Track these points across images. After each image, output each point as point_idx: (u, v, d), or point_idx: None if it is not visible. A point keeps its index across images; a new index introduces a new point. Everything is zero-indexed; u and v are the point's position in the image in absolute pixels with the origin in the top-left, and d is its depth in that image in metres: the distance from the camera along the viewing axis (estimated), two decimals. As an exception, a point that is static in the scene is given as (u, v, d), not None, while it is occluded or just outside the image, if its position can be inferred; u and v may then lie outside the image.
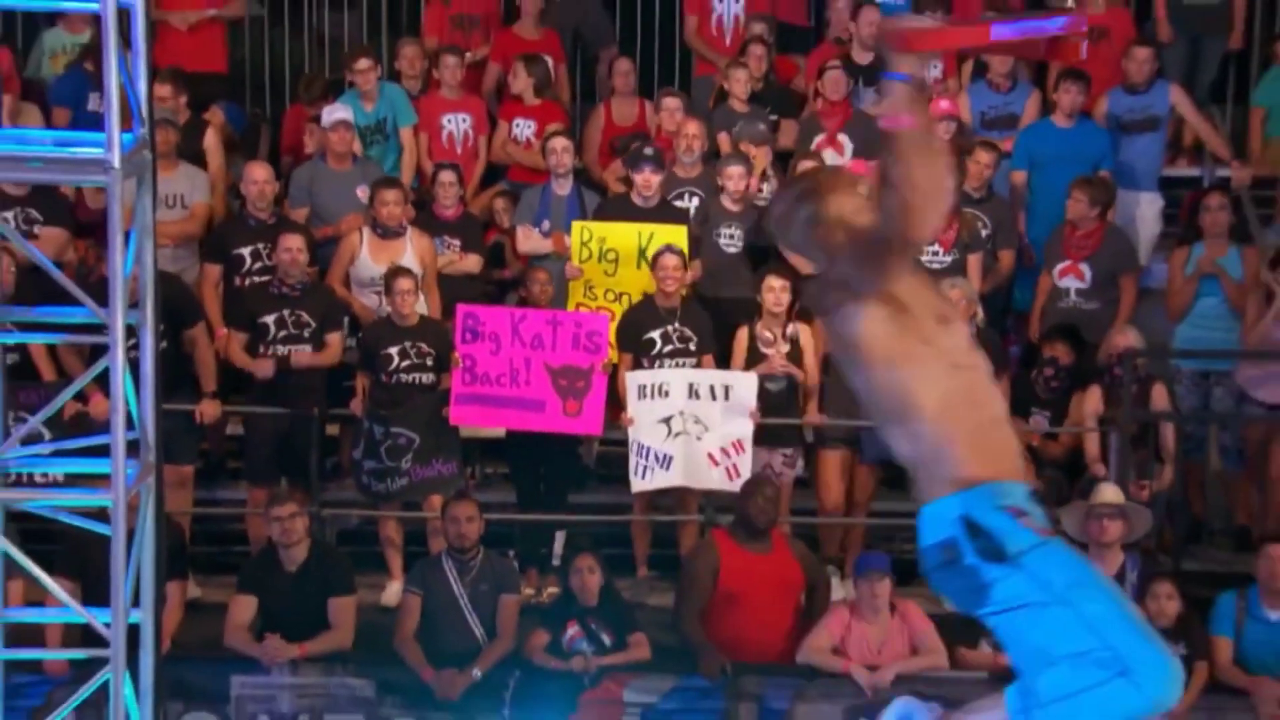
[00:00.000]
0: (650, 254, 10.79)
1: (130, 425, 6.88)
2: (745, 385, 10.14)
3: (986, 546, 4.91)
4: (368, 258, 10.65)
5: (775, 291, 10.42)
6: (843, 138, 11.56)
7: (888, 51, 4.77)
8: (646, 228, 10.85)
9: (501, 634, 9.34)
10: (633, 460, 10.18)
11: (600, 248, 10.89)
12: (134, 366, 6.94)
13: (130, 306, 6.82)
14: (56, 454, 7.18)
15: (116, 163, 6.60)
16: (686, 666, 9.39)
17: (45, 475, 7.33)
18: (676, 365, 10.31)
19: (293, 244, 10.31)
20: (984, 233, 11.03)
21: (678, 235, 10.79)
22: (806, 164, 11.07)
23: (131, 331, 6.88)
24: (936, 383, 4.97)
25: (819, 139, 11.46)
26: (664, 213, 10.95)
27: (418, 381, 10.23)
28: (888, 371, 4.94)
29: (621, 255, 10.84)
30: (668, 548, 10.43)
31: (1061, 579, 4.91)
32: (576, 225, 10.97)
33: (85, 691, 7.11)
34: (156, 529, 7.30)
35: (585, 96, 12.86)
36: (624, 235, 10.90)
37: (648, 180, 10.88)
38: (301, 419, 10.36)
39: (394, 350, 10.21)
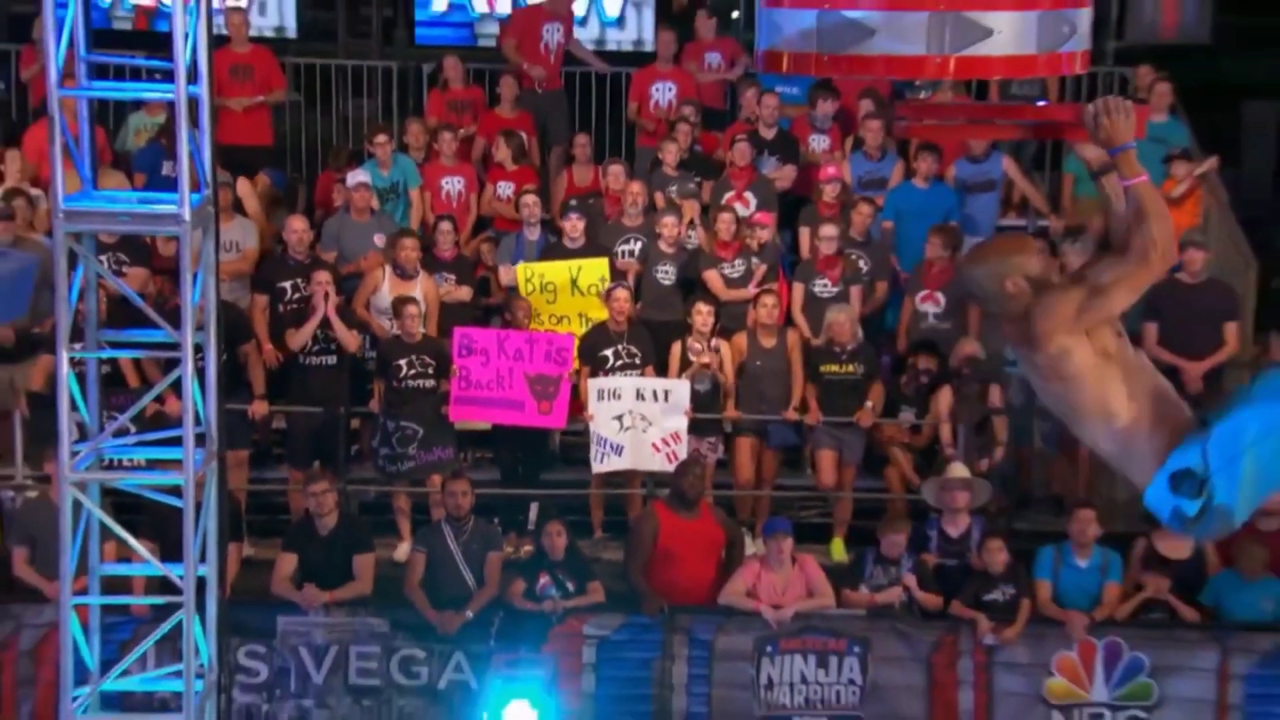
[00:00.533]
0: (581, 284, 10.70)
1: (197, 421, 6.91)
2: (680, 389, 10.08)
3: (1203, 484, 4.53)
4: (386, 291, 10.51)
5: (703, 315, 10.30)
6: (748, 194, 11.42)
7: (1120, 130, 4.42)
8: (575, 263, 10.75)
9: (488, 583, 9.29)
10: (593, 448, 10.11)
11: (540, 283, 10.73)
12: (200, 375, 6.97)
13: (196, 329, 6.85)
14: (140, 444, 7.18)
15: (187, 216, 6.64)
16: (633, 607, 9.34)
17: (132, 460, 7.33)
18: (626, 375, 10.22)
19: (322, 279, 10.17)
20: (864, 269, 10.96)
21: (601, 267, 10.73)
22: (726, 215, 10.96)
23: (198, 348, 6.92)
24: (1127, 391, 4.66)
25: (729, 195, 11.34)
26: (589, 250, 10.85)
27: (422, 386, 10.11)
28: (1095, 389, 4.61)
29: (558, 287, 10.72)
30: (618, 515, 10.38)
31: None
32: (520, 267, 10.85)
33: (163, 629, 7.15)
34: (219, 501, 7.33)
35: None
36: (557, 271, 10.78)
37: (574, 225, 10.84)
38: (331, 415, 10.28)
39: (403, 361, 10.10)
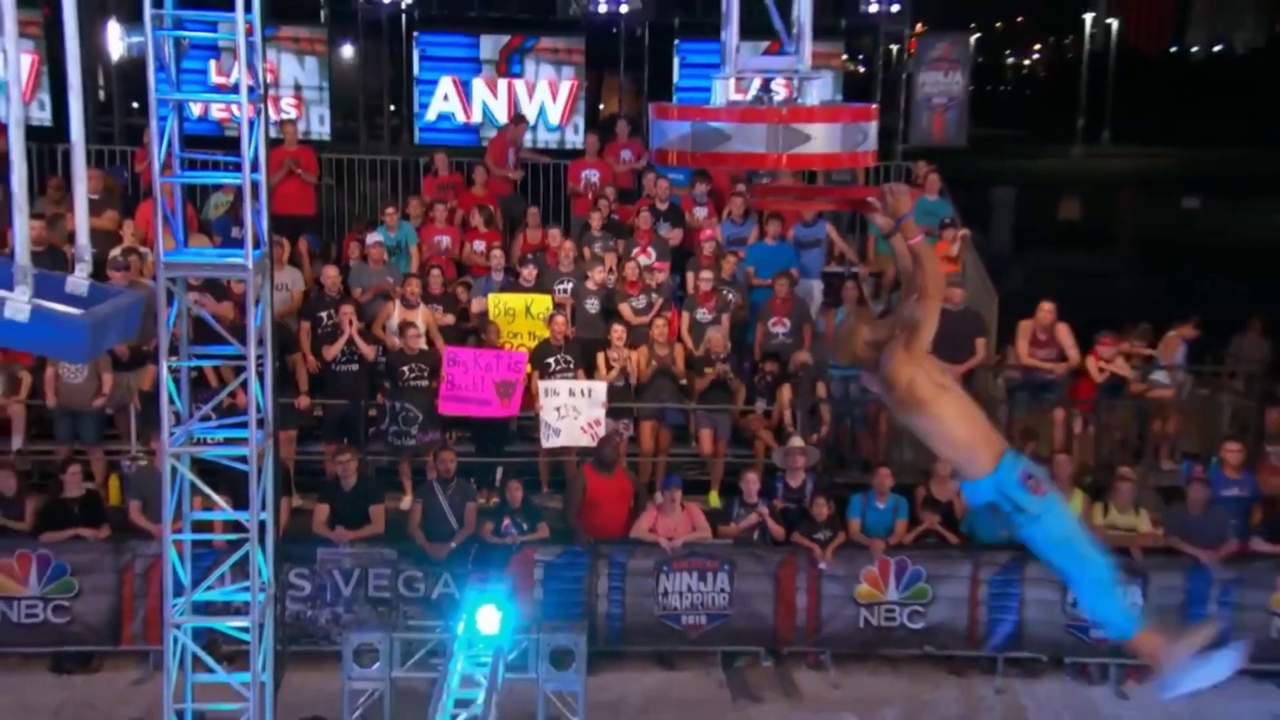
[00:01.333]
0: (533, 311, 10.58)
1: (258, 410, 6.81)
2: (600, 389, 9.91)
3: (1016, 507, 4.53)
4: (395, 317, 10.31)
5: (618, 334, 10.27)
6: (650, 249, 11.31)
7: (900, 205, 4.39)
8: (528, 297, 10.63)
9: (466, 524, 9.14)
10: (541, 429, 9.96)
11: (504, 309, 10.60)
12: (260, 378, 6.88)
13: (258, 344, 6.75)
14: (219, 427, 7.07)
15: (250, 266, 6.55)
16: (569, 540, 9.22)
17: (212, 438, 7.19)
18: (563, 377, 10.04)
19: (348, 310, 10.04)
20: (731, 301, 10.87)
21: (546, 300, 10.63)
22: (633, 264, 10.86)
23: (259, 358, 6.82)
24: (953, 411, 4.59)
25: (636, 250, 11.22)
26: (538, 288, 10.72)
27: (419, 385, 9.93)
28: (930, 409, 4.53)
29: (516, 312, 10.60)
30: (559, 476, 10.18)
31: (1059, 531, 4.53)
32: (490, 297, 10.71)
33: (235, 557, 7.05)
34: (274, 467, 7.23)
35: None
36: (516, 301, 10.64)
37: (529, 271, 10.74)
38: (354, 406, 10.12)
39: (406, 367, 9.96)
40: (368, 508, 9.11)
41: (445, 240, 11.63)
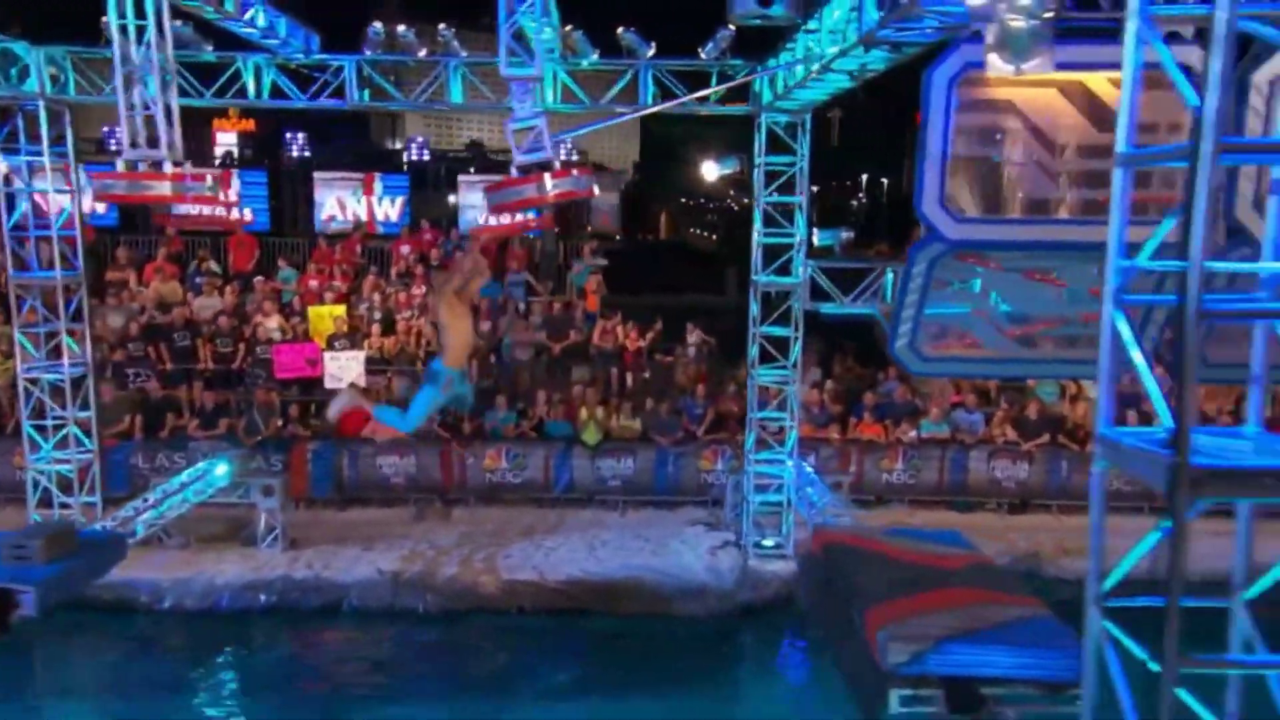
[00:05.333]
0: (334, 314, 18.92)
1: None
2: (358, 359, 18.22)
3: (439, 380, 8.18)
4: (269, 323, 19.01)
5: (376, 330, 18.75)
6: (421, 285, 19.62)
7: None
8: (333, 308, 18.98)
9: (269, 426, 17.57)
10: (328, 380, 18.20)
11: (321, 314, 18.57)
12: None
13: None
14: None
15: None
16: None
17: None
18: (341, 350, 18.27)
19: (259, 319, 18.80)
20: None
21: (340, 310, 18.85)
22: (404, 296, 19.39)
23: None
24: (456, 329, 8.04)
25: (413, 284, 19.51)
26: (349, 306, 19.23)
27: (265, 358, 18.49)
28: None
29: (324, 315, 18.68)
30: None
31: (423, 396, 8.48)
32: (311, 310, 19.07)
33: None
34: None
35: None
36: (326, 309, 18.86)
37: (338, 297, 19.24)
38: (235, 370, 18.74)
39: (258, 349, 18.57)
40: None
41: (314, 283, 19.94)
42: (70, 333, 13.77)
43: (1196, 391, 4.98)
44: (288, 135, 24.16)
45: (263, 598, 13.52)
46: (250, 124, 34.71)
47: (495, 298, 19.35)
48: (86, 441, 13.99)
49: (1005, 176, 11.18)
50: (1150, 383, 4.98)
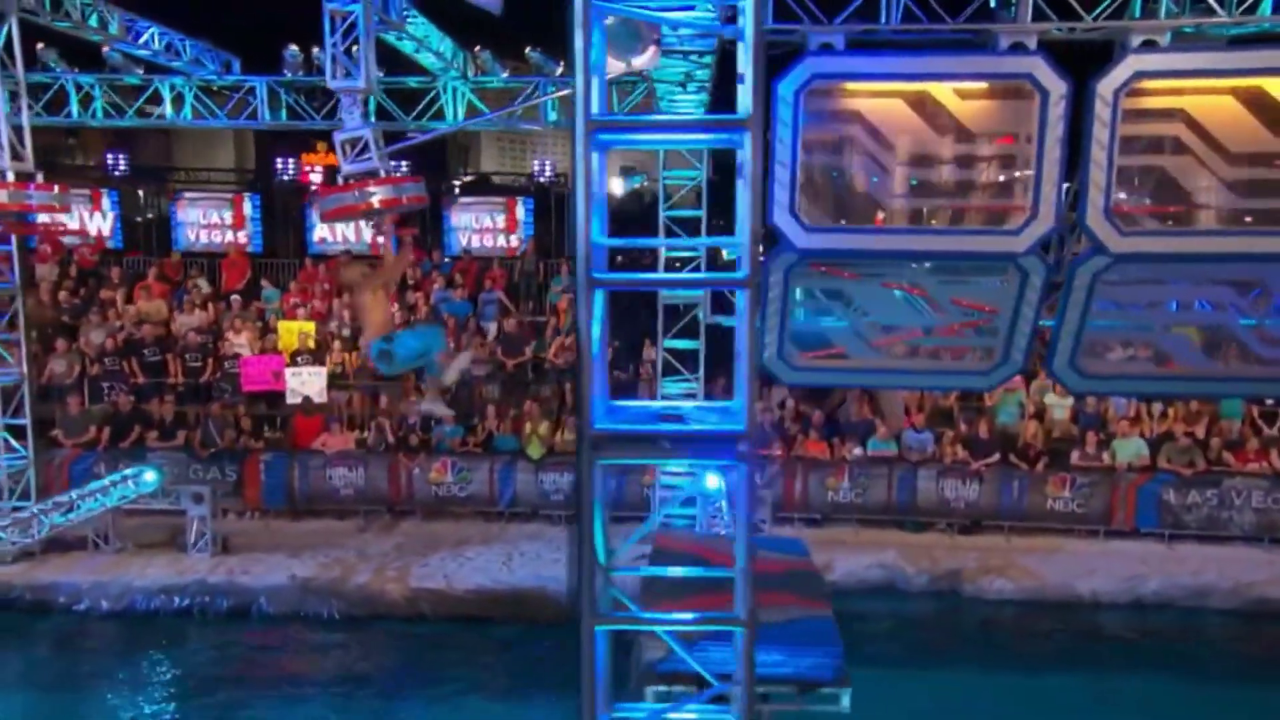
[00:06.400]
0: (302, 329, 19.57)
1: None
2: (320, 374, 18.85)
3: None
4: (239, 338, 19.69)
5: (338, 348, 19.31)
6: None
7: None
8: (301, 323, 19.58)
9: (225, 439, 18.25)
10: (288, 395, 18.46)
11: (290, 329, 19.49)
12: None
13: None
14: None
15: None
16: (280, 447, 18.14)
17: None
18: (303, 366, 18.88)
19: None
20: None
21: (309, 326, 19.59)
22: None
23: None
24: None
25: None
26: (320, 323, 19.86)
27: (233, 373, 19.16)
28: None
29: (293, 330, 19.47)
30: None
31: None
32: (281, 324, 19.77)
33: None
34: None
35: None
36: (295, 325, 19.46)
37: (310, 314, 19.82)
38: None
39: (226, 363, 19.28)
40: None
41: (295, 300, 20.60)
42: (4, 344, 14.42)
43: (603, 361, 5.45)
44: (278, 161, 24.96)
45: (176, 600, 14.02)
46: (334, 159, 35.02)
47: (462, 315, 19.71)
48: (20, 449, 14.66)
49: (852, 186, 11.20)
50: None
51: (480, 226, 23.61)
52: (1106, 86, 10.20)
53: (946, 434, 17.43)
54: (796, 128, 10.64)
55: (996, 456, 17.04)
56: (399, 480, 17.60)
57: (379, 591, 14.15)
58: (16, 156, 9.75)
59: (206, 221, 23.72)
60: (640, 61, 7.48)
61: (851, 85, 10.77)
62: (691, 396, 14.49)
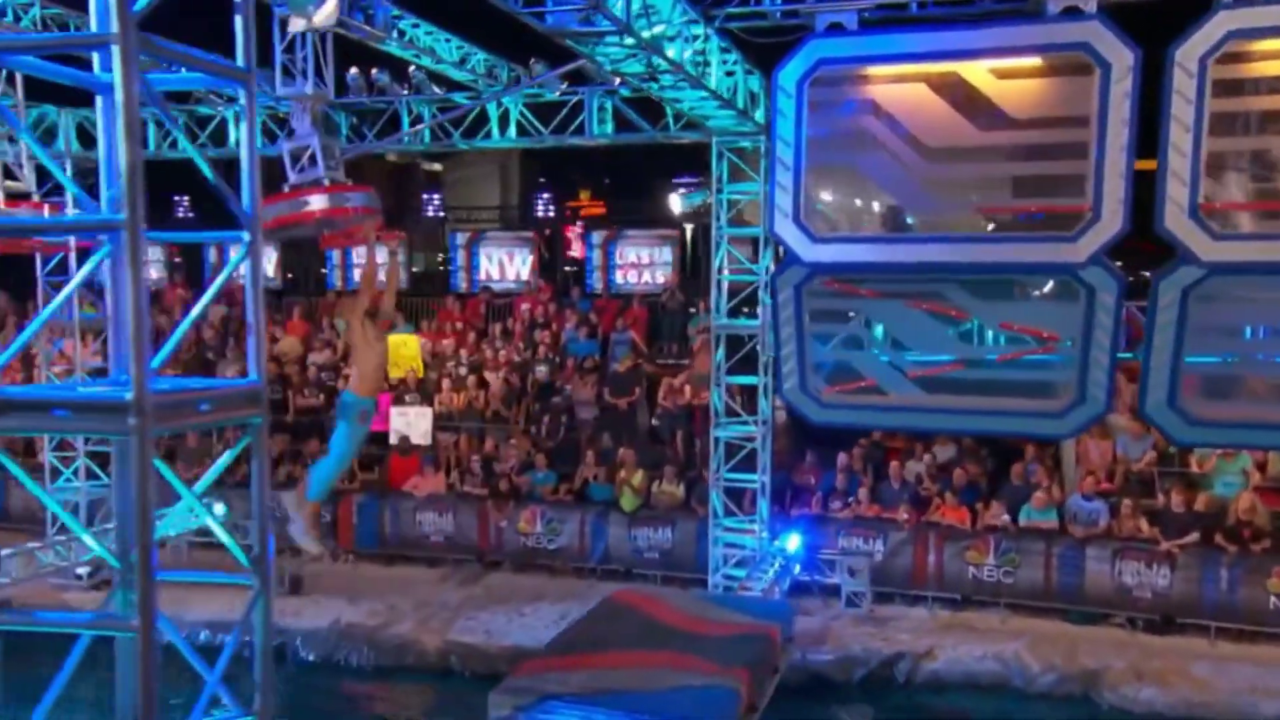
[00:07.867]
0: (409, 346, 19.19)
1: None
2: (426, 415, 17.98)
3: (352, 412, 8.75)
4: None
5: (446, 385, 18.84)
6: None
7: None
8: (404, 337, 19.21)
9: None
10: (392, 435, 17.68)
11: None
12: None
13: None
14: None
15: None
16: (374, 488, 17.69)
17: None
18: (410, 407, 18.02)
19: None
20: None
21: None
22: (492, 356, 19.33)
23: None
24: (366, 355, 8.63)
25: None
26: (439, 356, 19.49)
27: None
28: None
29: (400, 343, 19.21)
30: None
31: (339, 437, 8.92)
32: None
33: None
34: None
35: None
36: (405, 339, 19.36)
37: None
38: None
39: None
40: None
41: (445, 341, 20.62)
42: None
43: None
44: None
45: (219, 637, 13.65)
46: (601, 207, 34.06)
47: (584, 357, 18.81)
48: (103, 475, 14.87)
49: (867, 188, 9.58)
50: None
51: (624, 262, 22.37)
52: (1190, 52, 8.36)
53: (1125, 504, 14.47)
54: (800, 122, 9.29)
55: (1195, 536, 14.00)
56: (488, 528, 16.73)
57: (413, 641, 13.33)
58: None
59: (359, 260, 23.88)
60: (320, 17, 7.39)
61: (865, 70, 9.42)
62: (752, 440, 12.85)
